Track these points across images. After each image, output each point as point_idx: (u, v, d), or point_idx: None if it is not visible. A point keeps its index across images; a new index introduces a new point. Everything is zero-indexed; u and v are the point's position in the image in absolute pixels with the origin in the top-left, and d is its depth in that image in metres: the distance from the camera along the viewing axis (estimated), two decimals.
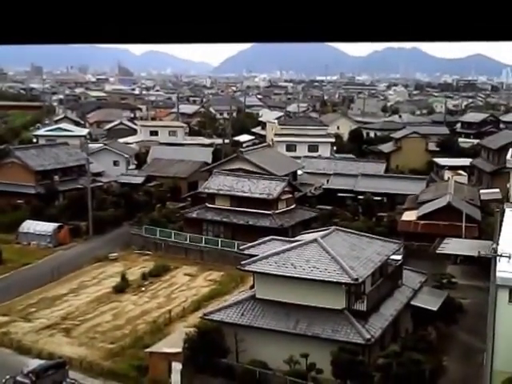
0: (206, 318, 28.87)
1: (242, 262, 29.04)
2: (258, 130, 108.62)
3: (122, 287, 40.45)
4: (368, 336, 26.19)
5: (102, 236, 52.54)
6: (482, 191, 54.23)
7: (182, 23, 2.02)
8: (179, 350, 28.76)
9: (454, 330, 32.39)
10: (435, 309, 30.23)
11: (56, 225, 50.70)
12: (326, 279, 27.17)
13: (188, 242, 47.54)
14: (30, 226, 50.92)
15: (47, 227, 50.52)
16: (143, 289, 40.77)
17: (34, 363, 28.29)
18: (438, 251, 39.04)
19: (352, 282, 26.80)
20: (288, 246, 29.92)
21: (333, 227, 32.74)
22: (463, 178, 62.62)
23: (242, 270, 30.02)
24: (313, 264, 28.08)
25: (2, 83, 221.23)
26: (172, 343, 30.09)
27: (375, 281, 29.78)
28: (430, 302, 31.03)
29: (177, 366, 28.95)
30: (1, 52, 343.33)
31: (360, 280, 26.94)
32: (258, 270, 28.59)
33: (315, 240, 29.60)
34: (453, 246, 39.94)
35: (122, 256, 47.65)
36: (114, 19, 2.04)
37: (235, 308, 28.87)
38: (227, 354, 27.71)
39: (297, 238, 32.70)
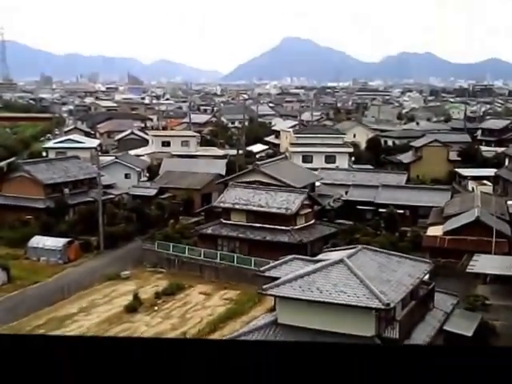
0: None
1: (264, 286, 27.50)
2: (271, 138, 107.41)
3: (135, 306, 39.11)
4: None
5: (114, 251, 51.32)
6: (509, 202, 52.35)
7: None
8: None
9: None
10: (470, 334, 28.51)
11: (66, 240, 49.58)
12: (355, 304, 25.57)
13: (202, 257, 46.14)
14: (40, 241, 49.84)
15: (57, 242, 49.40)
16: (156, 308, 39.39)
17: None
18: (468, 270, 37.24)
19: (383, 307, 25.18)
20: (312, 267, 28.36)
21: (359, 246, 31.12)
22: (488, 188, 60.76)
23: (265, 295, 28.48)
24: (340, 288, 26.48)
25: (12, 93, 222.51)
26: None
27: (406, 304, 28.12)
28: (464, 326, 29.31)
29: None
30: (11, 62, 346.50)
31: (392, 305, 25.32)
32: (282, 295, 27.05)
33: (341, 261, 28.02)
34: (483, 264, 38.12)
35: (135, 274, 46.32)
36: None
37: (256, 334, 27.30)
38: None
39: (321, 257, 31.15)
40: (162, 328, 36.21)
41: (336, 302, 25.95)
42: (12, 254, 49.46)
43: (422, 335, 27.45)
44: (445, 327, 29.04)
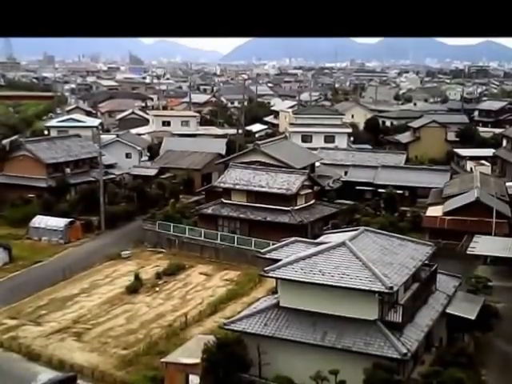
0: (227, 327, 26.34)
1: (266, 268, 26.39)
2: (270, 118, 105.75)
3: (136, 287, 38.09)
4: (404, 350, 23.55)
5: (115, 231, 50.25)
6: (508, 184, 51.15)
7: (191, 17, 2.17)
8: (197, 360, 26.32)
9: (490, 337, 29.67)
10: (473, 317, 27.51)
11: (67, 220, 48.38)
12: (358, 287, 24.49)
13: (203, 238, 45.01)
14: (41, 221, 48.65)
15: (58, 222, 48.21)
16: (157, 289, 38.37)
17: (43, 378, 25.96)
18: (468, 252, 36.20)
19: (386, 290, 24.10)
20: (314, 249, 27.23)
21: (361, 228, 29.95)
22: (486, 168, 59.53)
23: (266, 277, 27.39)
24: (342, 270, 25.38)
25: (15, 72, 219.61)
26: (189, 353, 27.66)
27: (408, 287, 27.07)
28: (467, 309, 28.30)
29: (194, 380, 26.57)
30: (14, 41, 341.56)
31: (395, 288, 24.24)
32: (283, 277, 25.97)
33: (343, 243, 26.88)
34: (484, 246, 37.09)
35: (135, 253, 45.24)
36: (118, 14, 2.20)
37: (258, 317, 26.30)
38: (249, 367, 25.23)
39: (322, 240, 29.98)
40: (163, 309, 35.20)
41: (338, 285, 24.88)
42: (14, 234, 48.39)
43: (425, 319, 26.44)
44: (448, 310, 28.01)
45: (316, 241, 30.01)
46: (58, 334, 32.27)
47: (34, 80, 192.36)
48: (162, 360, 27.37)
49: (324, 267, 25.89)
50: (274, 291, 28.75)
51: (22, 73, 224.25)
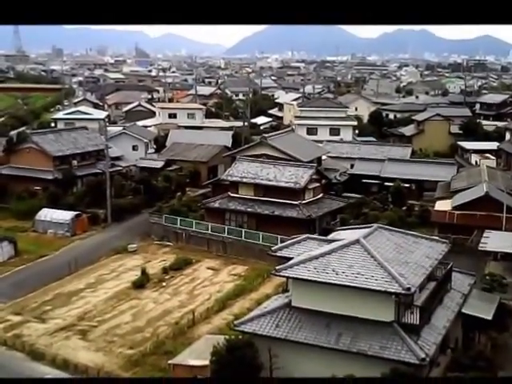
0: (237, 329, 24.56)
1: (278, 267, 24.56)
2: (274, 111, 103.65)
3: (142, 282, 36.31)
4: (422, 355, 21.75)
5: (121, 224, 48.43)
6: None
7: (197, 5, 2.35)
8: (205, 362, 24.59)
9: (506, 337, 27.82)
10: (490, 317, 25.70)
11: (74, 213, 46.58)
12: (374, 288, 22.65)
13: (210, 232, 43.18)
14: (47, 213, 46.86)
15: (65, 215, 46.42)
16: (164, 284, 36.58)
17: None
18: (480, 248, 34.31)
19: (404, 291, 22.27)
20: (327, 247, 25.37)
21: (375, 225, 28.04)
22: (491, 161, 57.46)
23: (278, 276, 25.55)
24: (357, 270, 23.54)
25: (24, 65, 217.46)
26: (197, 353, 25.94)
27: (423, 287, 25.21)
28: (483, 309, 26.47)
29: None
30: (23, 35, 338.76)
31: (412, 290, 22.39)
32: (296, 276, 24.14)
33: (358, 241, 25.02)
34: (495, 242, 35.16)
35: (142, 247, 43.43)
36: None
37: (269, 317, 24.51)
38: (260, 370, 23.47)
39: (334, 237, 28.08)
40: (170, 305, 33.42)
41: (353, 285, 23.05)
42: (20, 227, 46.66)
43: (441, 320, 24.61)
44: (464, 310, 26.19)
45: (328, 238, 28.12)
46: (63, 332, 30.52)
47: (43, 73, 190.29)
48: (170, 362, 25.66)
49: (338, 266, 24.04)
50: (284, 288, 27.00)
51: (30, 65, 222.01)
